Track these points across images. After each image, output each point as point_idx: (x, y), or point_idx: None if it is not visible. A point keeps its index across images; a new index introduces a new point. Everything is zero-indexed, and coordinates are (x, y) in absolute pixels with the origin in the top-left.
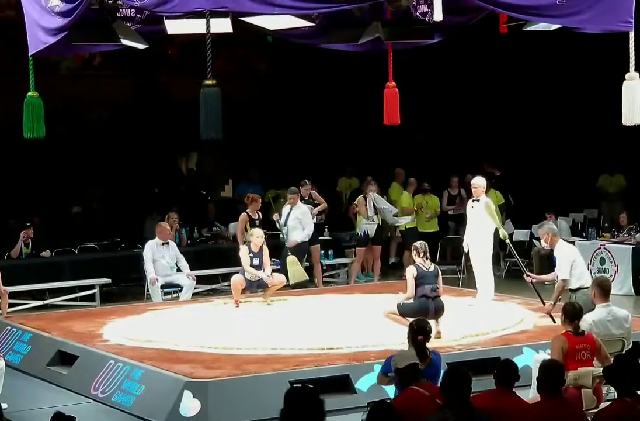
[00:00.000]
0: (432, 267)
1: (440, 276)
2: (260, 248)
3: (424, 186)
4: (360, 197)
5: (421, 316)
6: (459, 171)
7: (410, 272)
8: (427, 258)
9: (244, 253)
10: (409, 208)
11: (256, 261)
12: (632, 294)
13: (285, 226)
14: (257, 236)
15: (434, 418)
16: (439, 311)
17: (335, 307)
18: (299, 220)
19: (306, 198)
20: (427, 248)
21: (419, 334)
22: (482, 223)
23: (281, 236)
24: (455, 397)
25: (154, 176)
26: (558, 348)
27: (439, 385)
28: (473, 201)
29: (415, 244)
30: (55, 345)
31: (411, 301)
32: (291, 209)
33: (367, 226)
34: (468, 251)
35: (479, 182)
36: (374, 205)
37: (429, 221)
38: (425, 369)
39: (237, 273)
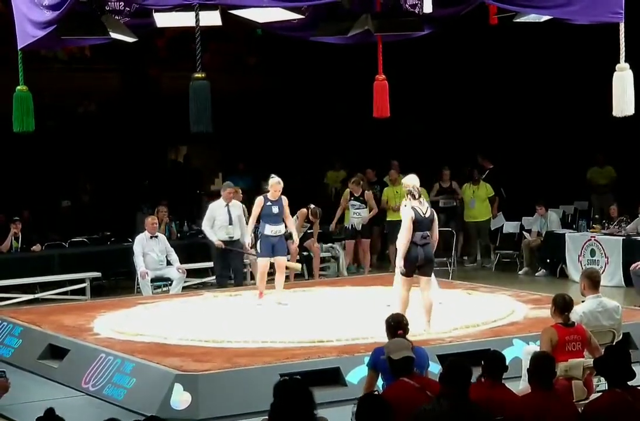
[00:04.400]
0: (429, 212)
1: (436, 222)
2: (279, 198)
3: None
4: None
5: (412, 265)
6: (451, 164)
7: (409, 215)
8: (421, 201)
9: (257, 205)
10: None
11: (275, 210)
12: (623, 286)
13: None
14: (272, 184)
15: (429, 408)
16: (429, 259)
17: (325, 300)
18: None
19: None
20: (420, 191)
21: (397, 329)
22: None
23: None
24: (454, 388)
25: (144, 170)
26: (547, 339)
27: (424, 373)
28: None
29: (408, 188)
30: (46, 339)
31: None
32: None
33: (354, 219)
34: None
35: (407, 182)
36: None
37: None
38: None
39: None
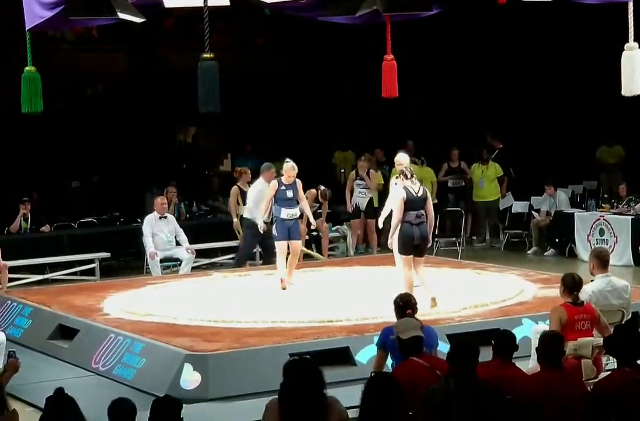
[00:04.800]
0: (421, 191)
1: (430, 200)
2: (294, 181)
3: (414, 161)
4: (351, 173)
5: (408, 244)
6: (460, 144)
7: (400, 195)
8: (413, 181)
9: (271, 189)
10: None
11: (290, 194)
12: (632, 265)
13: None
14: (286, 169)
15: (437, 387)
16: (424, 238)
17: (334, 280)
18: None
19: None
20: (413, 170)
21: (406, 309)
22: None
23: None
24: (461, 367)
25: (153, 150)
26: (556, 318)
27: (433, 353)
28: (397, 177)
29: (401, 168)
30: (56, 319)
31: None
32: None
33: (358, 199)
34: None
35: (401, 160)
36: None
37: None
38: None
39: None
